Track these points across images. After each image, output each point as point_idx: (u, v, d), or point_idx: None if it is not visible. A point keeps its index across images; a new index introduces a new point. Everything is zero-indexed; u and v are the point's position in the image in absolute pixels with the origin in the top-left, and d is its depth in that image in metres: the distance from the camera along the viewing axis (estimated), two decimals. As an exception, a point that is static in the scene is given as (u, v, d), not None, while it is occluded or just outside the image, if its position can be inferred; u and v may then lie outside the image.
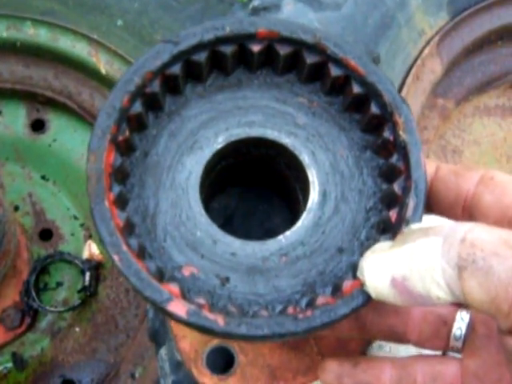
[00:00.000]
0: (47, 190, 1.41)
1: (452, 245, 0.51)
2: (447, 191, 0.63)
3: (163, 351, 0.88)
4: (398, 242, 0.57)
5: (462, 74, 1.29)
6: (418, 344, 0.69)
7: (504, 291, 0.49)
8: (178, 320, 0.59)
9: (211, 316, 0.58)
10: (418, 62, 1.11)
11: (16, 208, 1.39)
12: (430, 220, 0.59)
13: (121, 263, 0.58)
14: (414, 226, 0.57)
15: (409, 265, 0.53)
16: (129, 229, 0.62)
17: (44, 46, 1.37)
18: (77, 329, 1.31)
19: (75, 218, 1.40)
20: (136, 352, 1.25)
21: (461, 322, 0.67)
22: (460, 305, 0.68)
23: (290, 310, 0.60)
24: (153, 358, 1.21)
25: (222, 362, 0.80)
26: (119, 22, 1.37)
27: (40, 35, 1.37)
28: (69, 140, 1.43)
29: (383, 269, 0.55)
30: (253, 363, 0.79)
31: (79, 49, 1.37)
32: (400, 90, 1.06)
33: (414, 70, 1.09)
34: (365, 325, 0.69)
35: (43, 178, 1.42)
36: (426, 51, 1.12)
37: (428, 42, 1.13)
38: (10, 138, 1.43)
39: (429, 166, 0.63)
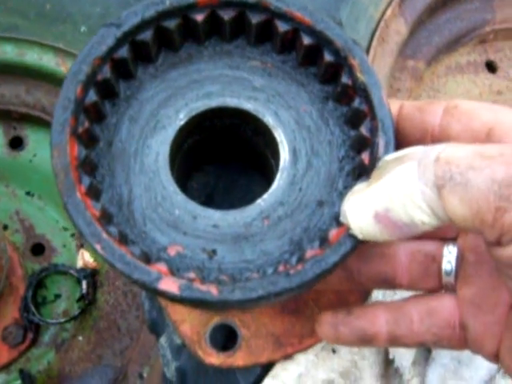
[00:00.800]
0: (34, 206, 1.41)
1: (427, 166, 0.51)
2: (413, 128, 0.63)
3: (163, 339, 0.88)
4: (374, 177, 0.56)
5: (429, 33, 1.29)
6: (411, 287, 0.69)
7: (485, 202, 0.49)
8: (171, 297, 0.58)
9: (204, 287, 0.57)
10: (382, 24, 1.10)
11: (5, 227, 1.38)
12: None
13: (104, 251, 0.58)
14: (388, 158, 0.57)
15: (389, 195, 0.53)
16: (106, 219, 0.61)
17: (11, 62, 1.37)
18: (80, 338, 1.31)
19: (65, 229, 1.39)
20: (141, 352, 1.25)
21: (449, 256, 0.67)
22: (446, 239, 0.68)
23: (281, 268, 0.60)
24: (158, 355, 1.21)
25: (226, 338, 0.80)
26: (83, 29, 1.37)
27: (6, 52, 1.36)
28: (48, 153, 1.42)
29: (365, 206, 0.55)
30: (256, 335, 0.78)
31: (47, 60, 1.36)
32: (366, 53, 1.06)
33: (378, 33, 1.09)
34: (353, 275, 0.69)
35: (28, 193, 1.41)
36: (389, 12, 1.12)
37: (389, 3, 1.12)
38: (-10, 159, 1.43)
39: (392, 105, 0.63)
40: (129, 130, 0.67)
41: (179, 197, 0.65)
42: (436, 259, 0.67)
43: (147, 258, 0.60)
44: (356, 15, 1.04)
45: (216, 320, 0.79)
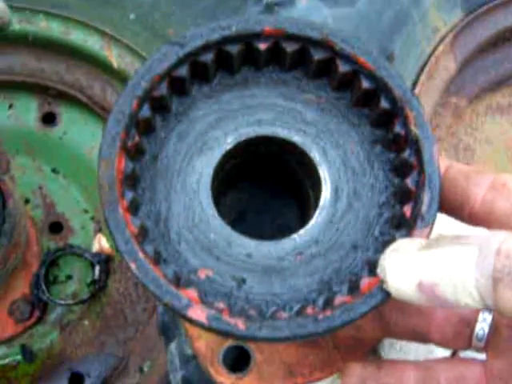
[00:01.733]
0: (58, 183, 1.41)
1: (487, 256, 0.50)
2: (455, 193, 0.63)
3: (173, 346, 0.88)
4: (426, 245, 0.56)
5: (476, 72, 1.28)
6: (441, 344, 0.69)
7: None
8: (198, 325, 0.59)
9: (231, 320, 0.58)
10: (432, 59, 1.10)
11: (26, 201, 1.38)
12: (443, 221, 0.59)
13: (138, 271, 0.58)
14: (445, 233, 0.57)
15: (440, 271, 0.53)
16: (143, 234, 0.62)
17: (56, 39, 1.36)
18: (86, 322, 1.31)
19: (85, 211, 1.40)
20: (144, 346, 1.25)
21: (483, 323, 0.67)
22: None
23: (309, 310, 0.60)
24: (161, 352, 1.21)
25: (239, 360, 0.80)
26: (132, 16, 1.36)
27: (52, 28, 1.36)
28: (80, 133, 1.43)
29: (410, 271, 0.55)
30: (269, 361, 0.79)
31: (91, 42, 1.36)
32: (413, 87, 1.06)
33: (427, 68, 1.09)
34: (388, 325, 0.69)
35: (54, 170, 1.41)
36: (440, 49, 1.11)
37: (442, 40, 1.12)
38: (21, 130, 1.43)
39: (441, 163, 0.63)
40: (176, 146, 0.67)
41: (216, 221, 0.66)
42: (470, 324, 0.68)
43: (177, 279, 0.61)
44: (408, 49, 1.04)
45: (232, 341, 0.79)
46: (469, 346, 0.68)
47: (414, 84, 1.06)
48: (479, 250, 0.51)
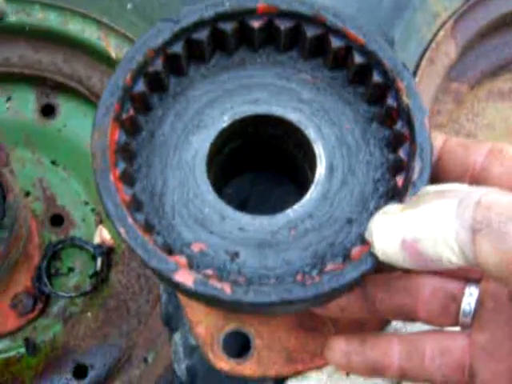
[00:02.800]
0: (58, 176, 1.41)
1: (467, 207, 0.50)
2: (455, 163, 0.63)
3: (177, 336, 0.88)
4: (410, 203, 0.56)
5: (477, 57, 1.28)
6: (428, 321, 0.69)
7: None
8: (185, 290, 0.59)
9: (218, 284, 0.58)
10: (433, 45, 1.10)
11: (27, 193, 1.38)
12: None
13: (127, 235, 0.59)
14: (429, 188, 0.56)
15: (421, 226, 0.52)
16: (136, 206, 0.63)
17: (53, 30, 1.36)
18: (88, 314, 1.31)
19: (86, 203, 1.39)
20: (148, 337, 1.25)
21: (470, 298, 0.67)
22: (469, 280, 0.68)
23: (299, 277, 0.61)
24: (165, 343, 1.21)
25: (239, 346, 0.80)
26: (129, 6, 1.36)
27: (49, 19, 1.35)
28: (79, 125, 1.42)
29: (393, 230, 0.55)
30: (269, 347, 0.79)
31: (89, 33, 1.35)
32: (414, 73, 1.05)
33: (428, 54, 1.08)
34: (374, 304, 0.69)
35: (53, 163, 1.41)
36: (441, 34, 1.11)
37: (443, 25, 1.11)
38: (20, 123, 1.42)
39: (437, 138, 0.63)
40: (173, 124, 0.68)
41: (210, 196, 0.66)
42: (456, 299, 0.67)
43: (169, 250, 0.61)
44: (409, 34, 1.03)
45: (232, 326, 0.79)
46: (456, 322, 0.67)
47: (415, 70, 1.06)
48: (459, 202, 0.51)
